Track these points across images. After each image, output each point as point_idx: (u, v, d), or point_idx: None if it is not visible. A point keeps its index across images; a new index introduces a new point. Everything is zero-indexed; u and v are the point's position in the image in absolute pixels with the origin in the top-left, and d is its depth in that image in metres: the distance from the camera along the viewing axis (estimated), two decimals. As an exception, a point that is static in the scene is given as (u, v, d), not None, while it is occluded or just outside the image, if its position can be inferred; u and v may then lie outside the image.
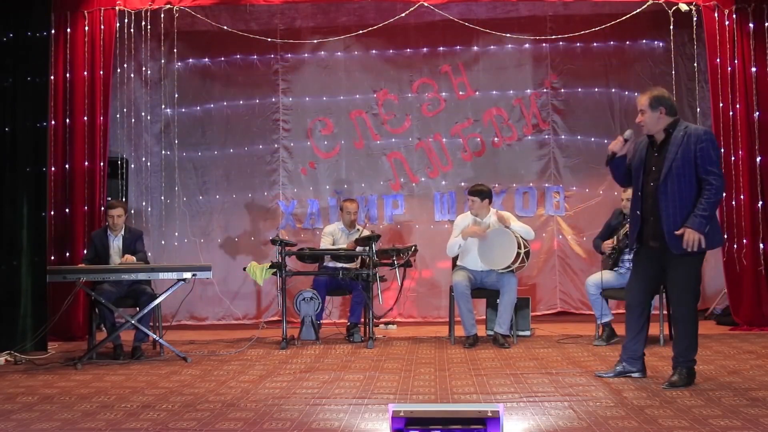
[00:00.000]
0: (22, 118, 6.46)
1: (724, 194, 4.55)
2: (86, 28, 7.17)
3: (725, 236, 7.10)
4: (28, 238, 6.38)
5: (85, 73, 7.14)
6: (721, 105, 7.17)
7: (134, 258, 6.23)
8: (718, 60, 7.14)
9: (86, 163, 7.11)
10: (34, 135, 6.51)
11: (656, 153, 4.62)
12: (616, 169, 4.83)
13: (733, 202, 7.11)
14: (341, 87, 8.57)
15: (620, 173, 4.84)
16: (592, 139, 8.44)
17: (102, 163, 7.15)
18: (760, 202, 7.10)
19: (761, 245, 7.08)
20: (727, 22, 7.15)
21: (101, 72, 7.17)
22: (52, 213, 6.95)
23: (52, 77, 6.88)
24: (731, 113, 7.16)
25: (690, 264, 4.54)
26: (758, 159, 7.12)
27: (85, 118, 7.12)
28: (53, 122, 6.97)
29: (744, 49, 7.17)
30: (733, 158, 7.13)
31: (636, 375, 4.78)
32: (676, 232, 4.43)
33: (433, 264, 8.28)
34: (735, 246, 7.11)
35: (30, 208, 6.44)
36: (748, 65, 7.16)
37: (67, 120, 7.11)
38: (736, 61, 7.12)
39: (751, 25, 7.16)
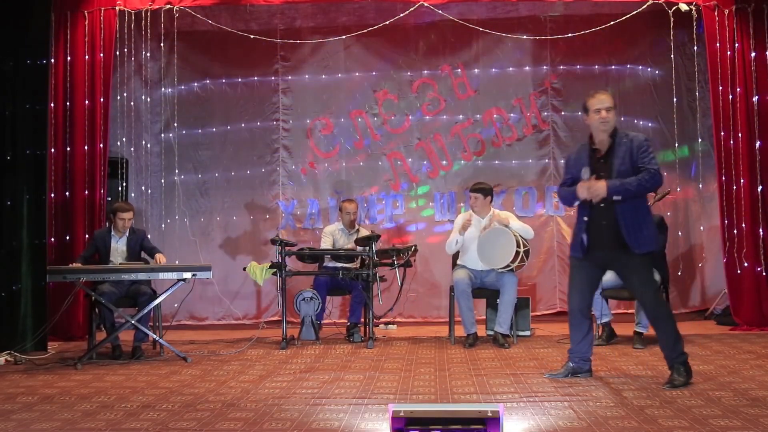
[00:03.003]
0: (23, 102, 6.46)
1: (655, 189, 4.83)
2: (86, 28, 7.17)
3: (717, 244, 7.15)
4: (28, 238, 6.38)
5: (86, 76, 7.16)
6: (720, 88, 7.17)
7: (164, 258, 6.30)
8: (717, 44, 7.14)
9: (86, 147, 7.13)
10: (34, 117, 6.52)
11: (602, 159, 4.66)
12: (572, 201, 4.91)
13: (734, 187, 7.14)
14: (341, 87, 8.57)
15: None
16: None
17: (102, 153, 7.17)
18: (760, 187, 7.12)
19: (762, 245, 7.09)
20: (727, 22, 7.15)
21: (101, 72, 7.17)
22: (52, 195, 6.97)
23: (52, 77, 6.88)
24: (731, 124, 7.17)
25: (648, 264, 4.63)
26: (758, 143, 7.13)
27: (86, 124, 7.15)
28: (53, 106, 6.98)
29: (744, 49, 7.17)
30: (732, 142, 7.14)
31: (584, 375, 4.82)
32: (584, 178, 4.55)
33: (433, 264, 8.28)
34: (735, 245, 7.11)
35: (30, 209, 6.43)
36: (749, 66, 7.16)
37: (67, 102, 7.12)
38: (736, 45, 7.13)
39: (751, 25, 7.16)
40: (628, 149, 4.57)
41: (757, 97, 7.15)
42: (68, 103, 7.14)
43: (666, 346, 4.62)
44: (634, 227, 4.53)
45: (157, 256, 6.31)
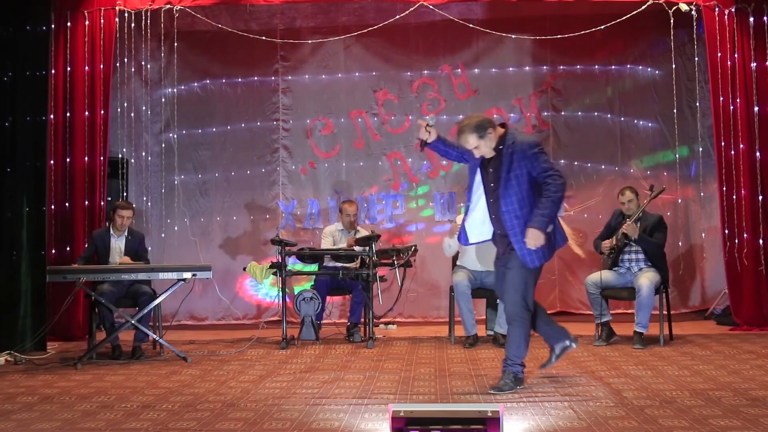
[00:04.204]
0: (22, 113, 6.47)
1: (564, 193, 4.56)
2: (86, 28, 7.17)
3: (726, 233, 7.13)
4: (28, 238, 6.39)
5: (86, 73, 7.14)
6: (721, 98, 7.15)
7: (130, 260, 6.27)
8: (718, 54, 7.12)
9: (86, 158, 7.10)
10: (34, 129, 6.51)
11: (491, 169, 4.58)
12: (438, 152, 4.84)
13: (734, 196, 7.12)
14: (341, 87, 8.56)
15: (447, 152, 4.79)
16: (592, 139, 8.44)
17: (102, 165, 7.15)
18: (760, 197, 7.09)
19: (762, 245, 7.08)
20: (727, 22, 7.15)
21: (101, 72, 7.16)
22: (53, 207, 6.97)
23: (52, 77, 6.88)
24: (731, 123, 7.14)
25: (528, 271, 4.53)
26: (758, 154, 7.12)
27: (86, 113, 7.13)
28: (52, 116, 6.97)
29: (744, 49, 7.17)
30: (733, 152, 7.13)
31: (573, 345, 4.76)
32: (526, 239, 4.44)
33: (433, 264, 8.28)
34: (736, 246, 7.11)
35: (30, 207, 6.44)
36: (749, 64, 7.15)
37: (68, 114, 7.11)
38: (736, 55, 7.11)
39: (751, 24, 7.16)
40: (514, 157, 4.46)
41: (757, 107, 7.13)
42: (68, 114, 7.12)
43: (509, 347, 4.60)
44: (524, 244, 4.45)
45: (125, 258, 6.28)
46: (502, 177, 4.47)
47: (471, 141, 4.50)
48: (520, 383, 4.55)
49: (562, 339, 4.75)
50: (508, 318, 4.67)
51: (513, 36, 8.10)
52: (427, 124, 4.63)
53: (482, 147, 4.52)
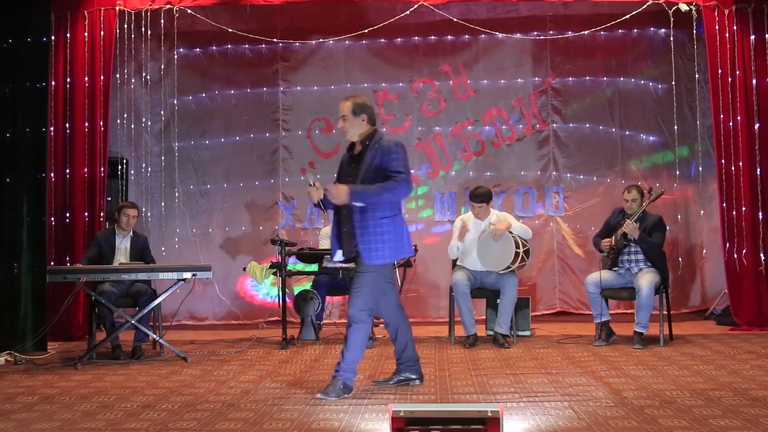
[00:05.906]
0: (22, 124, 6.48)
1: (404, 197, 4.64)
2: (86, 28, 7.17)
3: (717, 244, 7.12)
4: (28, 239, 6.39)
5: (86, 75, 7.14)
6: (721, 117, 7.15)
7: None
8: (719, 71, 7.12)
9: (86, 168, 7.11)
10: (34, 141, 6.52)
11: (353, 164, 4.57)
12: (330, 207, 4.70)
13: (734, 212, 7.11)
14: (341, 87, 8.56)
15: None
16: (592, 140, 8.45)
17: (102, 168, 7.14)
18: (761, 214, 7.09)
19: (761, 245, 7.08)
20: (727, 22, 7.15)
21: (101, 72, 7.16)
22: (52, 219, 6.96)
23: (52, 80, 6.87)
24: (731, 123, 7.13)
25: (373, 273, 4.49)
26: (758, 171, 7.11)
27: (86, 123, 7.12)
28: (52, 127, 6.96)
29: (744, 50, 7.17)
30: (733, 169, 7.13)
31: (417, 382, 4.72)
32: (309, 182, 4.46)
33: (433, 264, 8.28)
34: (735, 247, 7.11)
35: (30, 209, 6.44)
36: (749, 66, 7.14)
37: (67, 124, 7.10)
38: (737, 72, 7.09)
39: (750, 25, 7.16)
40: (376, 154, 4.46)
41: (758, 124, 7.11)
42: (68, 125, 7.11)
43: (348, 350, 4.48)
44: (368, 238, 4.42)
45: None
46: (363, 170, 4.47)
47: (344, 109, 4.53)
48: (348, 391, 4.43)
49: (412, 372, 4.72)
50: (350, 320, 4.53)
51: (513, 36, 8.10)
52: (310, 184, 4.51)
53: (348, 124, 4.53)
